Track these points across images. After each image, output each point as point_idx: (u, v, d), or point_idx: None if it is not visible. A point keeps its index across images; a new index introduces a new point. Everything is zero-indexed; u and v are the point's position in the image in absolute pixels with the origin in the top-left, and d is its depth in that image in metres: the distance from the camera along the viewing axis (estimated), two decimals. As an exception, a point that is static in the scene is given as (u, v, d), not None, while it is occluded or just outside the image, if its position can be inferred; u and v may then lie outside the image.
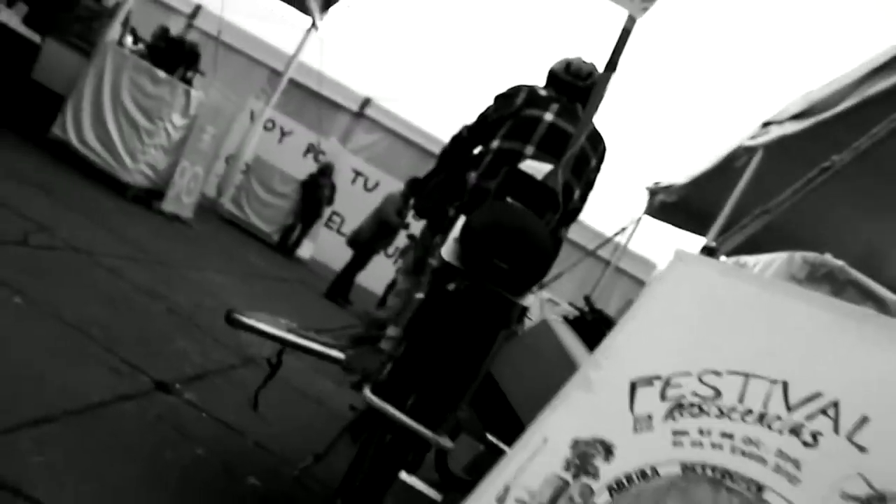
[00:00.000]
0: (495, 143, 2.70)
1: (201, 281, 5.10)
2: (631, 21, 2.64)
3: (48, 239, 3.84)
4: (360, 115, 12.05)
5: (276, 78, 10.05)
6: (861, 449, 1.36)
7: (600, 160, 2.91)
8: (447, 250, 1.88)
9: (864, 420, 1.39)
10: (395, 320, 2.36)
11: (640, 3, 2.64)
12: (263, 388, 2.54)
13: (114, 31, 6.13)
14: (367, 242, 8.61)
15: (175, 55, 6.52)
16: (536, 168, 2.31)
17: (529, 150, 2.63)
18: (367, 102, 12.17)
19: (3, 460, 1.76)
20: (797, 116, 4.84)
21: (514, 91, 2.83)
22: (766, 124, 5.38)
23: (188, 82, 6.40)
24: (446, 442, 1.75)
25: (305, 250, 10.61)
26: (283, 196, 10.07)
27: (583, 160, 2.75)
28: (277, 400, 3.36)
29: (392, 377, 1.88)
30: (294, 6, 8.94)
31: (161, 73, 6.26)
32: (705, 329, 1.64)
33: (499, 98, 2.87)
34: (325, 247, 10.97)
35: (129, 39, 6.53)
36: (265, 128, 10.71)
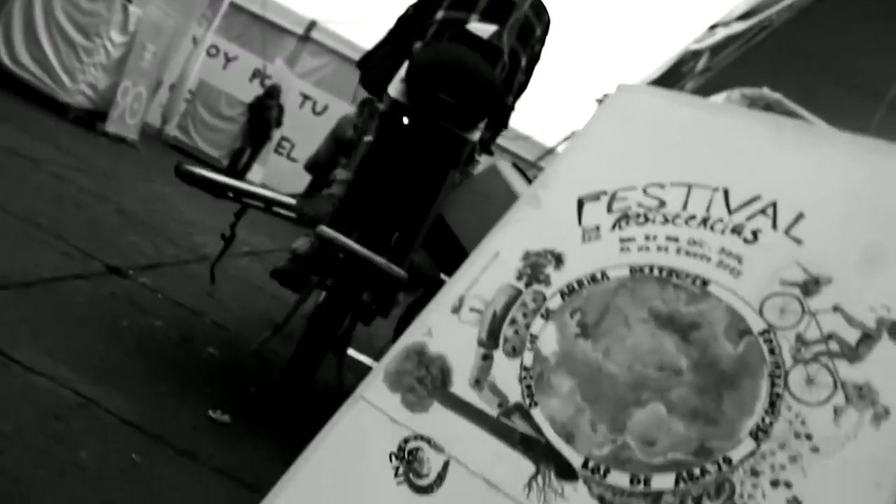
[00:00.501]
0: (440, 14, 2.68)
1: (150, 191, 5.03)
2: None
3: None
4: (305, 38, 11.80)
5: (217, 2, 9.77)
6: (797, 241, 1.43)
7: (545, 31, 2.91)
8: (394, 89, 1.89)
9: (799, 216, 1.46)
10: (345, 165, 2.37)
11: None
12: (218, 266, 2.53)
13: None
14: (325, 164, 8.51)
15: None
16: (482, 28, 2.31)
17: (474, 18, 2.61)
18: (312, 25, 11.91)
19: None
20: (743, 17, 4.88)
21: None
22: (713, 27, 5.42)
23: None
24: (398, 271, 1.78)
25: (255, 174, 10.47)
26: (230, 119, 9.90)
27: (527, 27, 2.74)
28: (234, 293, 3.36)
29: (340, 212, 1.89)
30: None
31: (94, -11, 6.05)
32: (648, 147, 1.68)
33: None
34: (275, 172, 10.83)
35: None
36: (209, 54, 10.45)
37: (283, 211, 2.27)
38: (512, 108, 2.84)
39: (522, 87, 2.91)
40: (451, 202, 1.98)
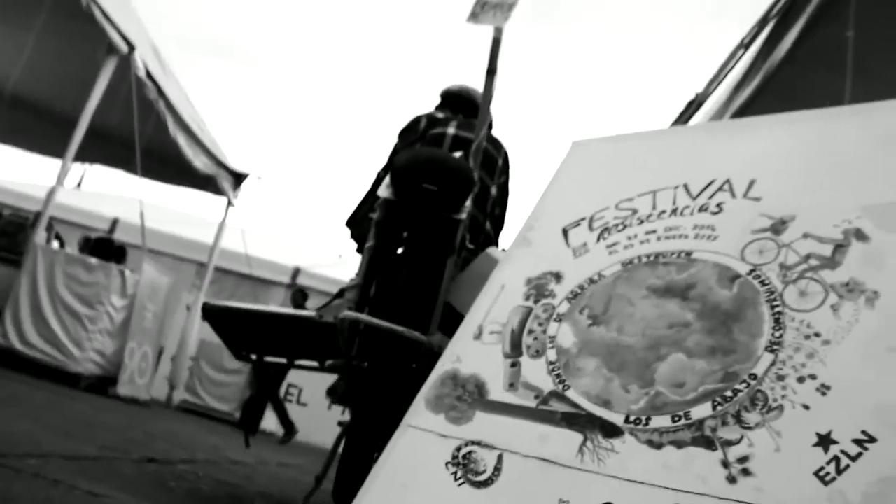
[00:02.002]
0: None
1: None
2: (498, 31, 3.04)
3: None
4: (292, 285, 12.28)
5: (204, 269, 10.29)
6: (756, 199, 1.61)
7: (506, 162, 3.19)
8: (383, 192, 2.11)
9: (752, 182, 1.65)
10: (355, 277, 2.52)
11: (502, 16, 3.05)
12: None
13: (39, 237, 6.33)
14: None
15: (104, 253, 6.74)
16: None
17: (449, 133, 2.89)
18: (297, 272, 12.44)
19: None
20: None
21: (415, 120, 3.13)
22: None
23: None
24: (420, 336, 1.89)
25: (268, 421, 10.43)
26: (236, 372, 10.05)
27: (489, 158, 3.03)
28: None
29: (357, 306, 2.04)
30: (208, 190, 9.36)
31: (93, 260, 6.44)
32: (609, 176, 1.90)
33: (403, 132, 3.16)
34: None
35: (55, 244, 6.75)
36: (202, 317, 10.81)
37: (305, 362, 2.40)
38: (494, 236, 3.06)
39: (500, 219, 3.15)
40: (455, 288, 2.14)
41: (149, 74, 6.45)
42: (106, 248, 7.02)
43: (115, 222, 11.74)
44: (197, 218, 12.98)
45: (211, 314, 2.34)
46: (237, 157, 9.23)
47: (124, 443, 3.56)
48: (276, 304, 11.78)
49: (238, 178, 9.38)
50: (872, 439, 1.12)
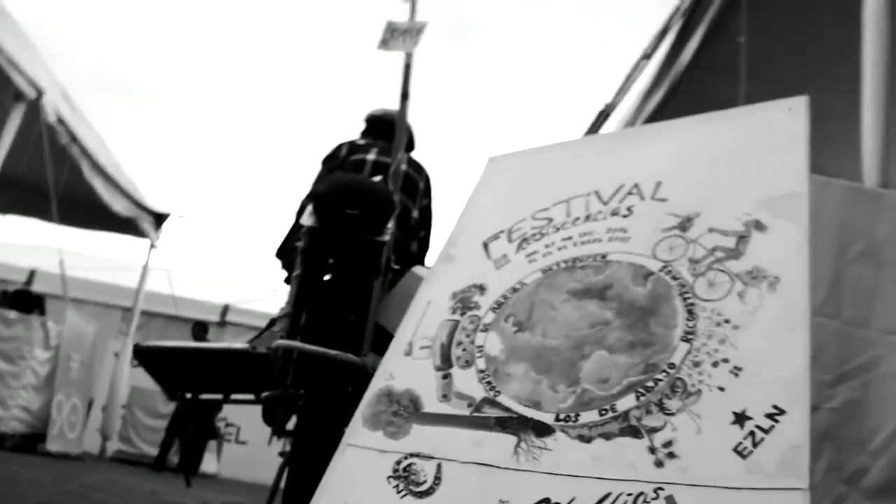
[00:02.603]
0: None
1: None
2: (409, 56, 3.10)
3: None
4: (223, 323, 12.09)
5: (129, 314, 10.06)
6: (663, 200, 1.70)
7: (427, 185, 3.25)
8: (307, 219, 2.14)
9: (658, 184, 1.74)
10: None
11: (412, 41, 3.11)
12: None
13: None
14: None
15: (23, 305, 6.54)
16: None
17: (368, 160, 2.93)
18: (226, 309, 12.25)
19: None
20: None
21: (337, 147, 3.16)
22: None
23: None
24: (354, 357, 1.92)
25: (209, 464, 10.20)
26: (168, 416, 9.82)
27: (410, 181, 3.08)
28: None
29: (288, 335, 2.06)
30: (129, 233, 9.18)
31: (12, 314, 6.24)
32: (524, 189, 1.98)
33: (325, 159, 3.18)
34: (229, 460, 10.61)
35: (-32, 301, 6.54)
36: (133, 364, 10.54)
37: (241, 396, 2.40)
38: (420, 257, 3.10)
39: (426, 241, 3.19)
40: (384, 309, 2.18)
41: (60, 119, 6.31)
42: (24, 299, 6.82)
43: (32, 273, 11.38)
44: (119, 262, 12.69)
45: (143, 355, 2.32)
46: (157, 198, 9.08)
47: (60, 497, 3.47)
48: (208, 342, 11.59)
49: (159, 219, 9.23)
50: (782, 412, 1.21)
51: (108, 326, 10.22)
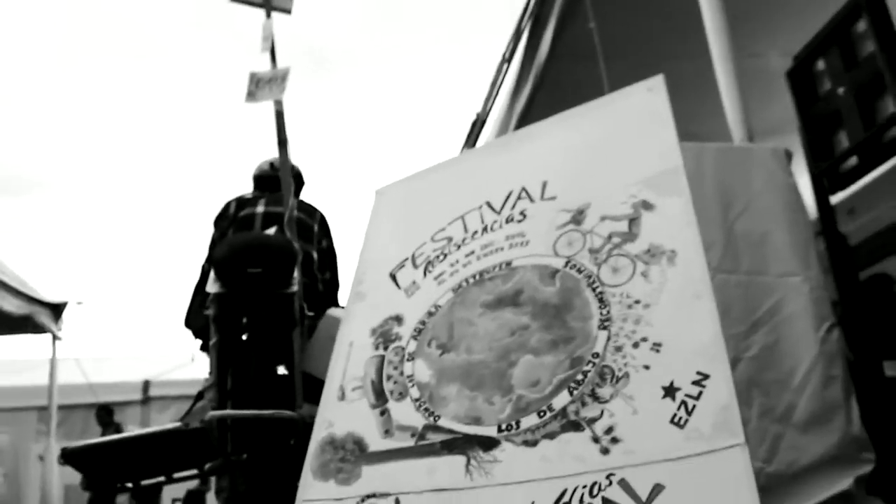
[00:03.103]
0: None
1: None
2: (279, 104, 3.10)
3: None
4: (146, 400, 11.67)
5: (46, 412, 9.60)
6: (553, 198, 1.76)
7: (322, 226, 3.25)
8: (211, 287, 2.11)
9: (544, 184, 1.80)
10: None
11: (279, 88, 3.11)
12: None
13: None
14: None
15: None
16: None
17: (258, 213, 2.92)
18: (148, 385, 11.83)
19: None
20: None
21: (226, 206, 3.13)
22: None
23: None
24: (289, 413, 1.91)
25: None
26: (109, 510, 9.44)
27: (304, 226, 3.07)
28: None
29: (218, 407, 2.03)
30: (28, 331, 8.76)
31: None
32: (416, 214, 2.03)
33: (216, 220, 3.15)
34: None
35: None
36: (60, 463, 10.06)
37: (184, 473, 2.34)
38: (331, 298, 3.10)
39: (334, 281, 3.19)
40: (308, 357, 2.17)
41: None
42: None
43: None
44: (24, 361, 12.08)
45: (73, 457, 2.23)
46: (51, 289, 8.71)
47: None
48: (134, 424, 11.15)
49: (57, 310, 8.84)
50: (706, 376, 1.27)
51: (26, 430, 9.75)
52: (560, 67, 4.31)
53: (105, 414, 8.84)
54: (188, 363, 11.88)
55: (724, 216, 2.27)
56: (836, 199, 2.57)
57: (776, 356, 2.14)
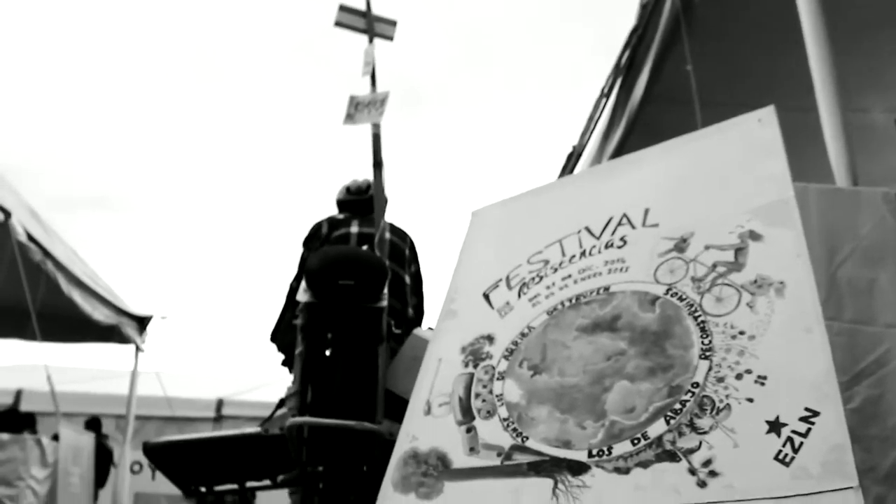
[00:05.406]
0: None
1: None
2: (376, 127, 3.14)
3: None
4: (219, 418, 11.88)
5: (124, 422, 9.87)
6: (655, 225, 1.72)
7: (413, 249, 3.26)
8: (302, 296, 2.13)
9: (646, 211, 1.77)
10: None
11: (377, 112, 3.16)
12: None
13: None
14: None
15: (12, 425, 6.39)
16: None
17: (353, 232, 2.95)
18: (221, 403, 12.06)
19: None
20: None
21: (317, 226, 3.17)
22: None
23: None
24: (370, 425, 1.89)
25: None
26: (178, 519, 9.59)
27: (396, 249, 3.09)
28: None
29: (299, 412, 2.03)
30: (113, 341, 9.06)
31: (4, 436, 6.08)
32: (513, 236, 2.01)
33: (307, 240, 3.19)
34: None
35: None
36: (133, 471, 10.33)
37: (257, 483, 2.35)
38: (417, 322, 3.09)
39: (419, 307, 3.19)
40: (391, 374, 2.16)
41: (30, 237, 6.28)
42: (14, 420, 6.67)
43: (18, 393, 11.17)
44: (106, 371, 12.49)
45: (154, 452, 2.28)
46: (138, 303, 9.02)
47: None
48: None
49: (142, 322, 9.13)
50: (816, 413, 1.20)
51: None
52: (654, 110, 4.26)
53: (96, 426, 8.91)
54: (261, 386, 12.10)
55: (828, 260, 2.18)
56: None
57: (881, 410, 2.03)
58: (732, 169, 1.73)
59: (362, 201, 3.28)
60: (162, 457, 2.34)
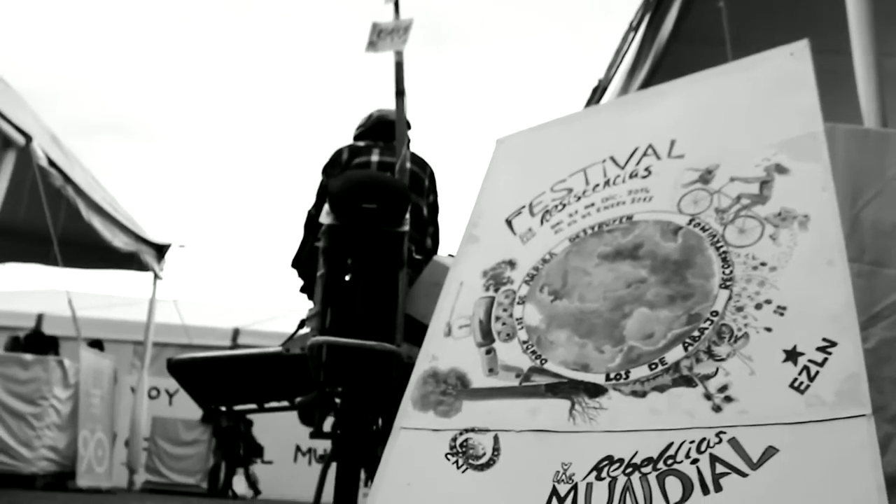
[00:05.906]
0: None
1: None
2: (399, 54, 3.11)
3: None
4: (235, 347, 12.07)
5: (141, 346, 10.05)
6: (680, 157, 1.72)
7: (432, 180, 3.25)
8: (325, 218, 2.15)
9: (672, 142, 1.76)
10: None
11: (400, 39, 3.13)
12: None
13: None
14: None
15: (37, 347, 6.54)
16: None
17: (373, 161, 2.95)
18: (237, 333, 12.25)
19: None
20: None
21: (337, 153, 3.15)
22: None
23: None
24: (390, 346, 1.93)
25: (238, 486, 10.20)
26: (194, 443, 9.82)
27: (416, 178, 3.09)
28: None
29: (321, 334, 2.07)
30: (132, 268, 9.17)
31: (29, 356, 6.24)
32: (538, 163, 2.00)
33: (326, 167, 3.18)
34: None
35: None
36: (150, 396, 10.55)
37: (275, 404, 2.40)
38: (434, 251, 3.11)
39: (435, 236, 3.20)
40: (411, 299, 2.19)
41: (51, 162, 6.30)
42: (38, 342, 6.82)
43: (40, 317, 11.38)
44: (126, 297, 12.70)
45: (177, 368, 2.33)
46: (156, 231, 9.11)
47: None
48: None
49: (161, 250, 9.22)
50: (833, 343, 1.21)
51: (121, 362, 10.20)
52: (681, 49, 4.18)
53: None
54: (277, 316, 12.25)
55: (852, 201, 2.16)
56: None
57: (894, 352, 2.04)
58: (761, 102, 1.71)
59: (386, 128, 3.24)
60: (184, 373, 2.39)
